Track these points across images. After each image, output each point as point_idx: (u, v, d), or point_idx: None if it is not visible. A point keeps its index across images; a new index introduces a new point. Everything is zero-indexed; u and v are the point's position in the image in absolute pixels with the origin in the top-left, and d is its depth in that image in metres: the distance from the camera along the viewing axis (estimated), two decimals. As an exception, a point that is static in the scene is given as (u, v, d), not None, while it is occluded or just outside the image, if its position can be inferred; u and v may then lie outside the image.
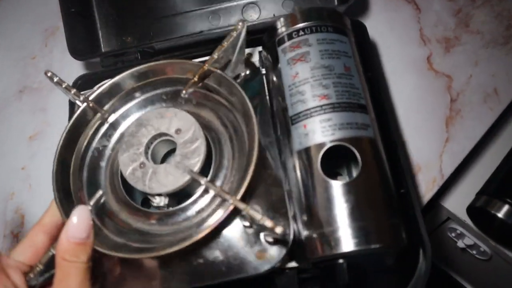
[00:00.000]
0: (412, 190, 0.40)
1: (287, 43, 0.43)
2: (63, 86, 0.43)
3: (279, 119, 0.43)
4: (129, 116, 0.46)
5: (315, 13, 0.44)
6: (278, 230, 0.33)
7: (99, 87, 0.44)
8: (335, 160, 0.41)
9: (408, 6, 0.59)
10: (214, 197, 0.40)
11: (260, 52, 0.48)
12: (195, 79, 0.42)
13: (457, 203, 0.53)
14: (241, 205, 0.35)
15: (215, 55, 0.41)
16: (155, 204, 0.43)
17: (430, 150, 0.50)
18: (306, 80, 0.41)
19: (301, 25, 0.43)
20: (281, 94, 0.42)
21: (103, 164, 0.45)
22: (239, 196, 0.36)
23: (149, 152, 0.44)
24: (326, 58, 0.41)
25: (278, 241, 0.38)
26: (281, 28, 0.44)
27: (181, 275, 0.39)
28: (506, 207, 0.43)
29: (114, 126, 0.46)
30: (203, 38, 0.54)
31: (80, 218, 0.33)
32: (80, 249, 0.32)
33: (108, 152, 0.45)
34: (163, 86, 0.46)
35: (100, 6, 0.58)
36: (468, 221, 0.51)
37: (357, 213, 0.36)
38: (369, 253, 0.36)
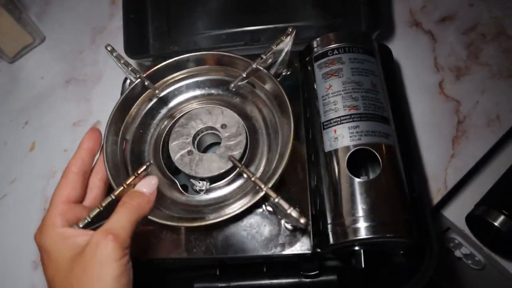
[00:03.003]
0: (423, 194, 0.46)
1: (323, 60, 0.50)
2: (122, 61, 0.49)
3: (311, 124, 0.49)
4: (177, 95, 0.52)
5: (348, 36, 0.51)
6: (302, 220, 0.38)
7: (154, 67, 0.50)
8: (354, 163, 0.47)
9: (426, 36, 0.66)
10: (245, 181, 0.47)
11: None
12: (244, 75, 0.48)
13: (457, 213, 0.59)
14: (273, 194, 0.40)
15: (264, 56, 0.47)
16: (197, 188, 0.49)
17: (436, 164, 0.57)
18: (338, 92, 0.47)
19: (336, 45, 0.50)
20: (314, 102, 0.49)
21: (147, 137, 0.51)
22: (270, 184, 0.41)
23: (196, 142, 0.50)
24: (356, 75, 0.48)
25: (296, 228, 0.44)
26: (318, 47, 0.51)
27: (208, 245, 0.45)
28: (502, 217, 0.50)
29: (163, 101, 0.52)
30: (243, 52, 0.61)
31: (148, 188, 0.39)
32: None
33: (153, 126, 0.51)
34: (211, 74, 0.52)
35: (153, 18, 0.66)
36: (467, 230, 0.57)
37: (376, 206, 0.41)
38: (383, 242, 0.42)
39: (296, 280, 0.47)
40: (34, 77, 0.74)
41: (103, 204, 0.38)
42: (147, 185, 0.39)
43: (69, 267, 0.34)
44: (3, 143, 0.69)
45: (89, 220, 0.38)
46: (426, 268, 0.45)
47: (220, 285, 0.48)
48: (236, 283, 0.48)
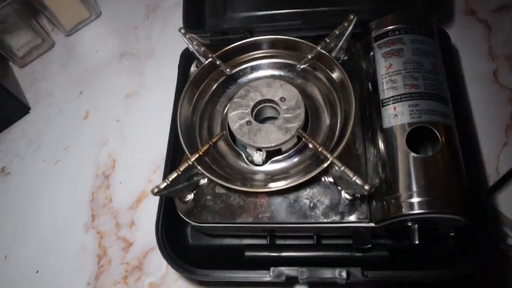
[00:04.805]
0: (478, 177, 0.46)
1: (383, 40, 0.50)
2: (194, 42, 0.51)
3: (368, 102, 0.50)
4: (243, 76, 0.55)
5: (408, 18, 0.51)
6: (367, 187, 0.39)
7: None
8: (411, 140, 0.47)
9: (480, 25, 0.66)
10: (306, 156, 0.48)
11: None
12: (309, 57, 0.49)
13: (506, 201, 0.58)
14: (339, 163, 0.42)
15: (328, 40, 0.49)
16: (254, 159, 0.50)
17: (489, 150, 0.57)
18: (398, 71, 0.48)
19: (397, 26, 0.50)
20: (373, 80, 0.50)
21: (215, 113, 0.54)
22: (336, 154, 0.43)
23: (254, 113, 0.51)
24: (417, 55, 0.48)
25: (355, 198, 0.45)
26: (378, 28, 0.52)
27: (272, 212, 0.46)
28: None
29: (230, 80, 0.55)
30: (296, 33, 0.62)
31: None
32: None
33: (220, 104, 0.54)
34: (276, 57, 0.54)
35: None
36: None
37: (432, 182, 0.42)
38: (437, 218, 0.42)
39: (347, 253, 0.48)
40: (89, 50, 0.76)
41: (181, 169, 0.43)
42: None
43: None
44: (58, 111, 0.71)
45: (168, 182, 0.42)
46: (478, 250, 0.45)
47: (271, 254, 0.49)
48: (287, 254, 0.49)
